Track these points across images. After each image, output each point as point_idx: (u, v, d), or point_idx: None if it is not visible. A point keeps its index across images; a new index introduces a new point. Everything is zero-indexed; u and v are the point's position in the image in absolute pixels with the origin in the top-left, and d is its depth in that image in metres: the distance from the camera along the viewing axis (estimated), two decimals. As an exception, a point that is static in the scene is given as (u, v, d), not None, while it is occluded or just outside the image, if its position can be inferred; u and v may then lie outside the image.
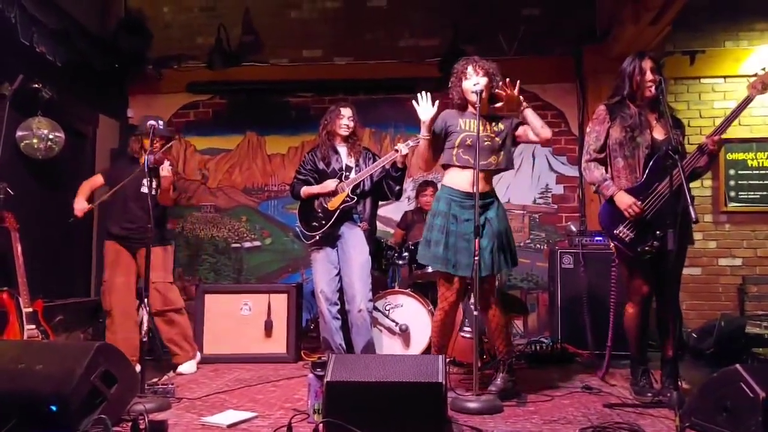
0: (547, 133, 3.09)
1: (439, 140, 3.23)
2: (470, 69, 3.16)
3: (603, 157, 3.22)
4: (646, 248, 3.03)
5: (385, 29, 5.76)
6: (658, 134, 3.11)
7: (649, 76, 3.07)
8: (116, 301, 3.84)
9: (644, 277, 3.14)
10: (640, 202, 3.02)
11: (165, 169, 3.66)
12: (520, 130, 3.22)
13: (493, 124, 3.22)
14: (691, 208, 2.70)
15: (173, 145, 3.77)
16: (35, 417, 2.39)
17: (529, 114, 3.12)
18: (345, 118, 3.92)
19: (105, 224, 4.02)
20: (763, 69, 3.04)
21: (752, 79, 3.04)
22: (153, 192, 3.42)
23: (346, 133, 3.93)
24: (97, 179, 4.02)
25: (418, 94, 3.12)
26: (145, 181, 3.72)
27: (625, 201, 3.04)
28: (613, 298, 3.65)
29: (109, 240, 3.94)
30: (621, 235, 3.09)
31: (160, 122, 3.65)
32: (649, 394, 3.06)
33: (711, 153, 3.03)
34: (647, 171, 3.06)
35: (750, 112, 3.08)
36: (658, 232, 2.98)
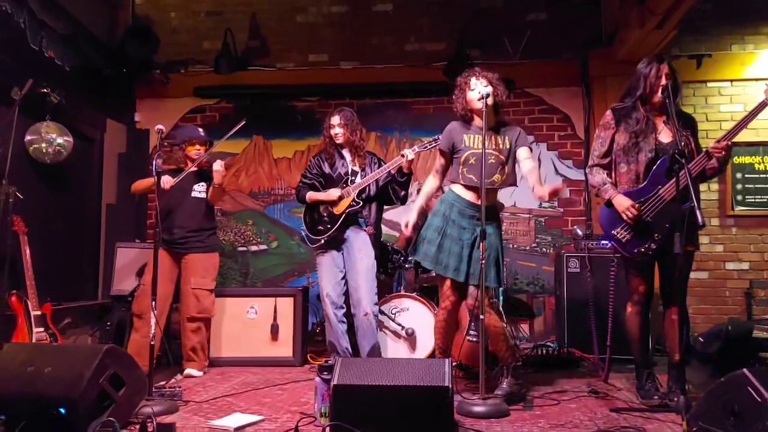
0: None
1: (448, 157, 3.31)
2: (473, 80, 3.19)
3: (607, 162, 3.24)
4: (642, 250, 3.06)
5: (391, 34, 5.77)
6: (665, 137, 3.11)
7: (663, 80, 3.06)
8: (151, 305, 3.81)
9: (642, 277, 3.18)
10: (637, 205, 3.04)
11: (218, 164, 3.86)
12: (528, 179, 3.29)
13: (499, 138, 3.24)
14: (698, 211, 2.69)
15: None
16: (44, 419, 2.41)
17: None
18: (335, 127, 3.92)
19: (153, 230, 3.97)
20: None
21: None
22: (204, 195, 4.00)
23: (341, 141, 3.93)
24: (149, 180, 3.98)
25: None
26: (195, 187, 4.00)
27: (622, 204, 3.07)
28: (612, 299, 3.72)
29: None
30: (618, 236, 3.12)
31: (200, 130, 4.16)
32: (656, 397, 3.06)
33: (719, 158, 3.01)
34: (650, 174, 3.07)
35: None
36: (656, 235, 3.01)
